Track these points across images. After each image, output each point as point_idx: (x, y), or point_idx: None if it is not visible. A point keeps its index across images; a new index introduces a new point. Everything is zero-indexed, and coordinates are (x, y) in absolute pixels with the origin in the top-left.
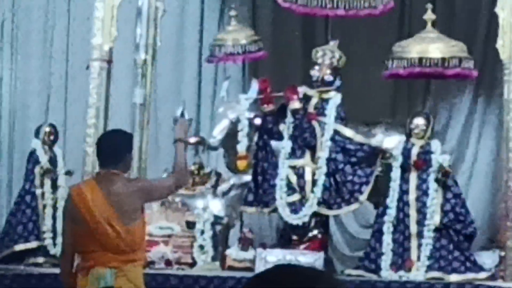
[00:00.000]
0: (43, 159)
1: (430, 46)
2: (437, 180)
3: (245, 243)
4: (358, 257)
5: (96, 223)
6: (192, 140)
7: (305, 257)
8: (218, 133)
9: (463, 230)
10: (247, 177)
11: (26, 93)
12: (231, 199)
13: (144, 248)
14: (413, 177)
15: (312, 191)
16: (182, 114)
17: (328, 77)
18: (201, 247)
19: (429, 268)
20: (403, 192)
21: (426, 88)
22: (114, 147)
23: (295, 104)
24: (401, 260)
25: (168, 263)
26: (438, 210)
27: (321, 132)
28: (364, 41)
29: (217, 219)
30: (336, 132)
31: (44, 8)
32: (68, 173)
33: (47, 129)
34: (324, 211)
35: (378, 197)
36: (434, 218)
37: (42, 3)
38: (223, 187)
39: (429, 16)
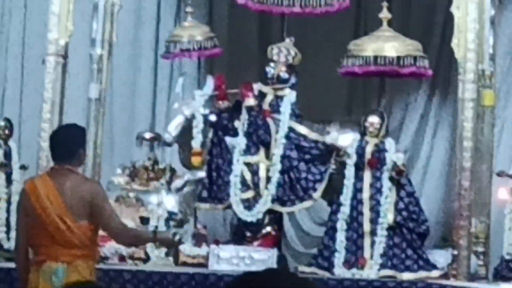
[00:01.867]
0: None
1: (386, 45)
2: (391, 179)
3: (199, 239)
4: (312, 254)
5: (48, 217)
6: (147, 135)
7: (259, 254)
8: (173, 129)
9: (416, 229)
10: (202, 173)
11: None
12: (185, 195)
13: (97, 243)
14: (367, 175)
15: (266, 188)
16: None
17: (284, 74)
18: None
19: (382, 266)
20: (357, 190)
21: (381, 86)
22: (67, 142)
23: (250, 101)
24: (354, 258)
25: (121, 258)
26: (391, 208)
27: (276, 129)
28: (320, 39)
29: (171, 215)
30: (290, 129)
31: (1, 2)
32: (22, 167)
33: (2, 123)
34: (278, 208)
35: (332, 195)
36: (388, 217)
37: None
38: (177, 183)
39: (385, 14)
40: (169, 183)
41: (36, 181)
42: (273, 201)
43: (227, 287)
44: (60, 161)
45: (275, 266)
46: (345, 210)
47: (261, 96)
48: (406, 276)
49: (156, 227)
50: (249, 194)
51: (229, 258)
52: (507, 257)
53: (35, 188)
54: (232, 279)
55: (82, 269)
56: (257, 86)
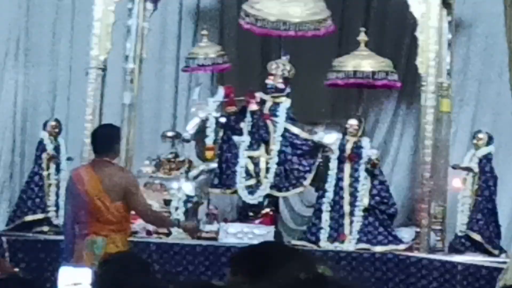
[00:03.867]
0: (49, 147)
1: (363, 62)
2: (366, 170)
3: (211, 218)
4: (302, 230)
5: (91, 199)
6: (170, 134)
7: (259, 230)
8: (190, 128)
9: (387, 210)
10: (214, 165)
11: (37, 93)
12: (200, 182)
13: (129, 220)
14: (347, 167)
15: (266, 177)
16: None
17: (280, 85)
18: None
19: (359, 240)
20: (339, 179)
21: (359, 95)
22: (105, 138)
23: (253, 106)
24: (336, 234)
25: (148, 233)
26: (366, 194)
27: (274, 130)
28: (310, 57)
29: (188, 198)
30: (286, 129)
31: (53, 25)
32: (69, 159)
33: (53, 123)
34: (275, 193)
35: (319, 183)
36: (363, 201)
37: (51, 21)
38: (193, 172)
39: (363, 37)
40: (187, 172)
41: (81, 170)
42: (271, 187)
43: (234, 257)
44: (100, 154)
45: (272, 239)
46: (329, 195)
47: (262, 102)
48: (378, 248)
49: (177, 208)
50: (252, 181)
51: (235, 233)
52: (460, 234)
53: (79, 176)
54: (237, 250)
55: (117, 241)
56: (259, 95)
